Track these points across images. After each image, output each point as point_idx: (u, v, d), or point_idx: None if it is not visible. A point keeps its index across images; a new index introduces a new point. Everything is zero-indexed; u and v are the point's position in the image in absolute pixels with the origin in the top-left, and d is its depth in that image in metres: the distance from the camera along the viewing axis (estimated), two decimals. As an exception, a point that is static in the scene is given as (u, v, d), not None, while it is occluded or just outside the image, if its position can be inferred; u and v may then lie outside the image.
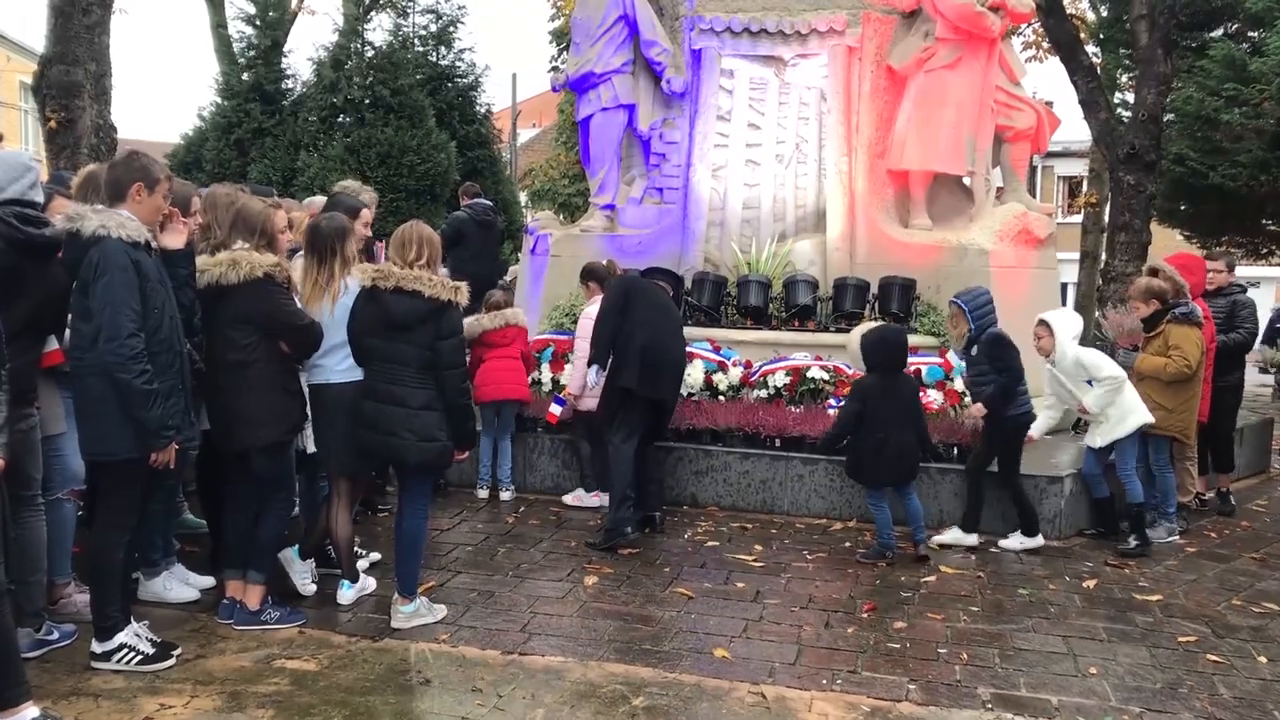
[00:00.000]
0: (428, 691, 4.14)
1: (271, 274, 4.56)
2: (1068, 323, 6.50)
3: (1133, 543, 6.37)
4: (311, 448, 5.00)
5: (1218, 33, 16.99)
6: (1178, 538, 6.72)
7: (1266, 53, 14.05)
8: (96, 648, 4.23)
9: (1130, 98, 18.05)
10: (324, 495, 5.22)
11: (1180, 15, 15.23)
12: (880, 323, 7.24)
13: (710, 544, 6.28)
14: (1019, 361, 6.23)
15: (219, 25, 21.92)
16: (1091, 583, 5.77)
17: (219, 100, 19.05)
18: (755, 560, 5.98)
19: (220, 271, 4.49)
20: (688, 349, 7.77)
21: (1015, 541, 6.33)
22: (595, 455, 6.94)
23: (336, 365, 4.78)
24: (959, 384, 7.28)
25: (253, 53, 19.27)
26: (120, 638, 4.25)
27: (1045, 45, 21.39)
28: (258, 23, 19.41)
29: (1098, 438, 6.48)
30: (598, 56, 9.23)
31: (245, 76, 19.15)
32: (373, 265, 4.65)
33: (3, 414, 3.55)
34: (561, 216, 15.15)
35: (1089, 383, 6.38)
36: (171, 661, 4.28)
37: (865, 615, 5.14)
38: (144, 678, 4.14)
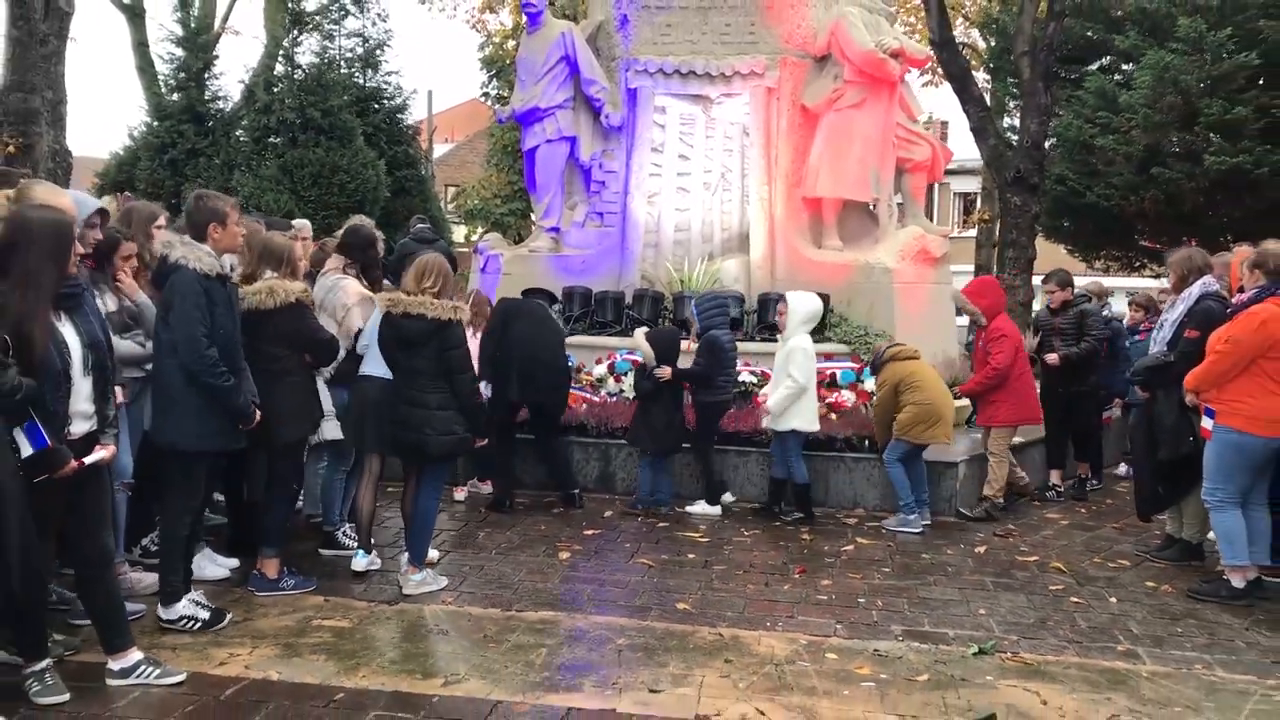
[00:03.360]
0: (448, 638, 5.03)
1: (301, 299, 5.42)
2: (805, 310, 7.49)
3: (795, 515, 7.41)
4: (330, 435, 5.89)
5: (1094, 66, 18.66)
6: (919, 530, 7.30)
7: (1135, 86, 15.63)
8: (162, 614, 5.00)
9: (1018, 122, 19.63)
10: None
11: (1058, 52, 16.75)
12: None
13: (661, 525, 7.28)
14: (723, 363, 7.61)
15: (140, 43, 22.14)
16: (982, 549, 6.91)
17: (150, 121, 19.43)
18: (701, 536, 6.99)
19: (259, 299, 5.32)
20: (633, 357, 8.80)
21: (699, 508, 7.59)
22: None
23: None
24: (870, 384, 8.40)
25: (183, 75, 19.62)
26: (179, 608, 5.02)
27: (940, 72, 22.99)
28: (188, 45, 19.75)
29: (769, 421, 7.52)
30: (542, 93, 10.18)
31: (175, 97, 19.55)
32: (386, 293, 5.54)
33: (113, 411, 4.37)
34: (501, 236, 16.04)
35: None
36: (225, 623, 5.08)
37: (797, 576, 6.18)
38: (207, 635, 4.95)
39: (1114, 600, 5.90)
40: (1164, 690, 4.61)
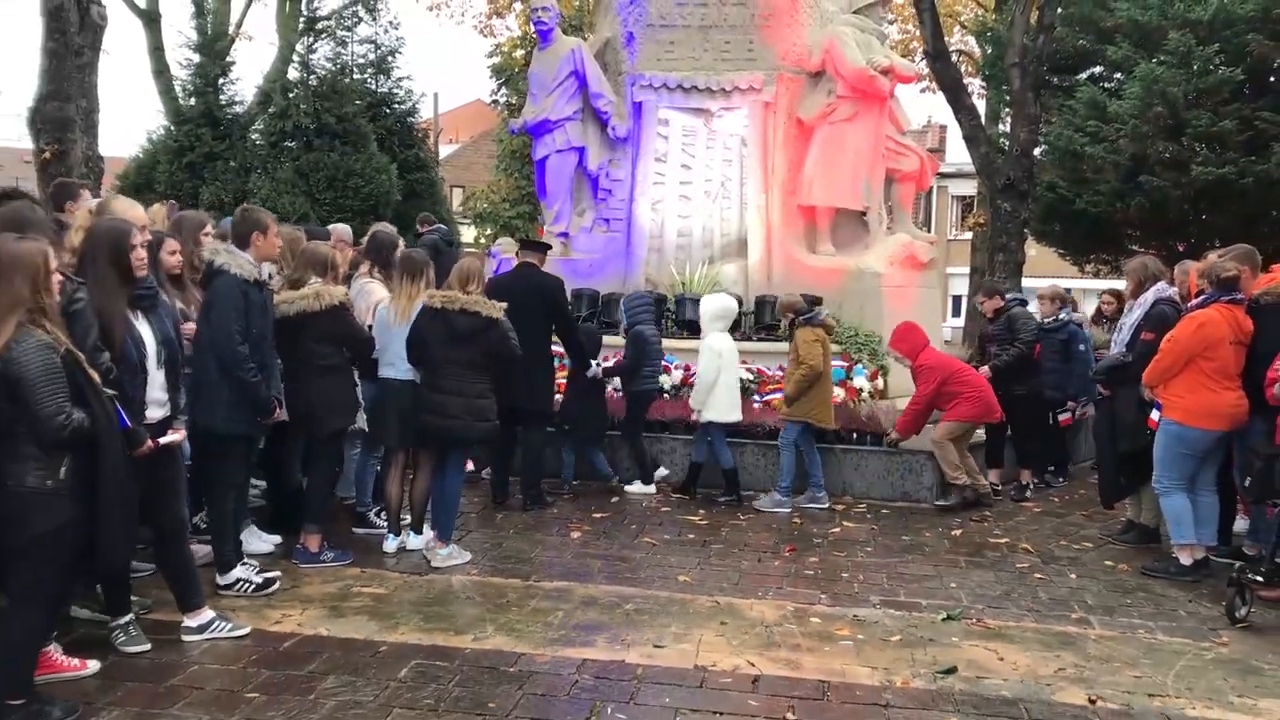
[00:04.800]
0: (474, 604, 5.65)
1: (344, 303, 6.05)
2: (713, 309, 8.30)
3: (723, 499, 8.11)
4: (363, 424, 6.51)
5: (1085, 75, 19.20)
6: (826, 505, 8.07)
7: (1123, 96, 16.17)
8: (219, 580, 5.61)
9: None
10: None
11: (1050, 62, 17.29)
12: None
13: (664, 509, 7.91)
14: (646, 353, 8.37)
15: (156, 48, 22.63)
16: (958, 531, 7.52)
17: (168, 125, 20.00)
18: (700, 520, 7.61)
19: (307, 303, 5.93)
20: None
21: (636, 488, 8.38)
22: None
23: (404, 365, 6.31)
24: (859, 381, 9.03)
25: (200, 80, 20.15)
26: (235, 573, 5.64)
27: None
28: (205, 51, 20.27)
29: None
30: (552, 106, 10.79)
31: (193, 102, 20.10)
32: (440, 291, 6.17)
33: (184, 400, 4.99)
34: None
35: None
36: (275, 587, 5.69)
37: (787, 554, 6.80)
38: (260, 598, 5.56)
39: (1074, 576, 6.51)
40: (1108, 649, 5.22)
